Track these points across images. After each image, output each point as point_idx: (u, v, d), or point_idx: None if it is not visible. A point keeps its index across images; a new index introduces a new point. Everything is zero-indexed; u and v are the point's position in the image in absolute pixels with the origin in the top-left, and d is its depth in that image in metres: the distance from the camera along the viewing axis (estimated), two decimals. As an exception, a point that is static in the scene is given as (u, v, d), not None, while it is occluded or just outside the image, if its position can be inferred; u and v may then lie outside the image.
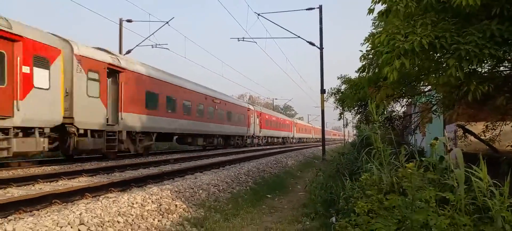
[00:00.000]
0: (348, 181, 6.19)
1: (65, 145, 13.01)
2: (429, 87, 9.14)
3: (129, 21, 24.58)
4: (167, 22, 23.78)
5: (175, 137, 22.57)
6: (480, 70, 5.98)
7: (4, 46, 10.49)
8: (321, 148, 24.34)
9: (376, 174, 5.00)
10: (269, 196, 9.69)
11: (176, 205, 6.90)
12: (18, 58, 10.83)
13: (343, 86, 16.03)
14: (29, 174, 9.57)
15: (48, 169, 11.31)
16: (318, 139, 72.96)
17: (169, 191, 7.44)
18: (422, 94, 10.36)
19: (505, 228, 2.86)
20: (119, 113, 15.29)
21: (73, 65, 12.96)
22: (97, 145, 14.06)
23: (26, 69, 11.12)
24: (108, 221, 5.37)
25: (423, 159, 4.02)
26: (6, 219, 5.48)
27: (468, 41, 4.54)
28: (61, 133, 12.73)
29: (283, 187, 11.34)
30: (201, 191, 8.20)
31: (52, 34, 12.77)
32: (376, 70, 8.53)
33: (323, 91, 22.36)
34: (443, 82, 5.42)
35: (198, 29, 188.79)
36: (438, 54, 5.55)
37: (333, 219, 6.44)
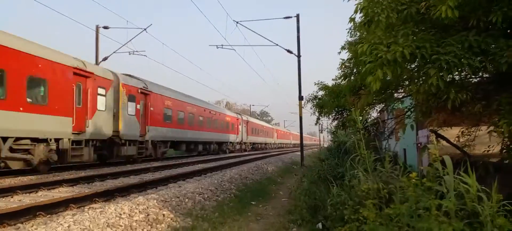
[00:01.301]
0: (334, 187, 6.32)
1: (111, 152, 17.14)
2: (404, 94, 9.47)
3: (105, 27, 24.21)
4: (145, 29, 23.65)
5: (183, 145, 25.69)
6: (457, 78, 6.28)
7: (81, 80, 14.79)
8: (299, 153, 24.53)
9: (363, 180, 5.16)
10: (253, 203, 9.75)
11: (163, 215, 6.88)
12: (89, 89, 15.11)
13: (320, 93, 16.31)
14: (7, 186, 9.28)
15: (25, 180, 11.00)
16: (295, 144, 74.12)
17: (155, 201, 7.40)
18: (399, 101, 10.72)
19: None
20: (147, 127, 19.71)
21: (119, 92, 17.21)
22: (132, 152, 18.36)
23: (93, 96, 15.36)
24: (98, 233, 5.32)
25: (405, 165, 4.20)
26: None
27: (447, 52, 4.77)
28: (108, 143, 16.77)
29: (266, 194, 11.43)
30: (187, 200, 8.20)
31: (107, 69, 17.20)
32: (357, 78, 8.78)
33: (301, 98, 22.59)
34: (423, 91, 5.67)
35: (176, 36, 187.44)
36: (418, 64, 5.80)
37: (319, 225, 6.58)
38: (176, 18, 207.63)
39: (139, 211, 6.64)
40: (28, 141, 12.18)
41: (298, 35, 22.85)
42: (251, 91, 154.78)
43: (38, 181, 10.19)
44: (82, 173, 12.57)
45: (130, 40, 28.87)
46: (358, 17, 6.48)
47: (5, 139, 11.28)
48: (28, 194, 8.66)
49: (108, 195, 8.53)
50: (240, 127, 40.36)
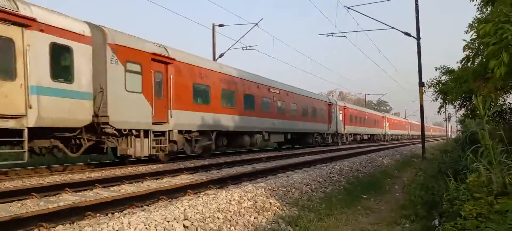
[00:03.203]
0: (452, 182, 5.73)
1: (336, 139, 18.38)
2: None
3: (221, 25, 25.78)
4: (256, 24, 24.42)
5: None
6: None
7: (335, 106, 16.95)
8: (420, 145, 22.83)
9: (484, 174, 4.57)
10: (364, 196, 9.40)
11: (270, 203, 7.08)
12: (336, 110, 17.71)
13: (443, 77, 14.89)
14: (138, 172, 10.62)
15: (154, 167, 12.42)
16: (415, 136, 68.26)
17: (263, 189, 7.66)
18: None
19: None
20: (344, 126, 21.68)
21: (336, 109, 20.06)
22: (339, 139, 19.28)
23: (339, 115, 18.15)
24: (209, 217, 5.72)
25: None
26: (122, 213, 6.23)
27: None
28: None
29: (379, 187, 10.90)
30: (293, 190, 8.29)
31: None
32: (483, 61, 7.76)
33: (421, 84, 20.89)
34: None
35: (286, 28, 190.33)
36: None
37: (436, 221, 6.02)
38: (286, 10, 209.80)
39: (248, 199, 6.94)
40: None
41: (417, 16, 21.10)
42: (365, 80, 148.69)
43: (164, 169, 11.41)
44: (201, 162, 13.66)
45: (243, 36, 30.34)
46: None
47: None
48: (155, 180, 9.77)
49: (221, 182, 9.12)
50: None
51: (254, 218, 6.33)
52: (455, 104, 14.24)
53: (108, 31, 11.94)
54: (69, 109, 10.48)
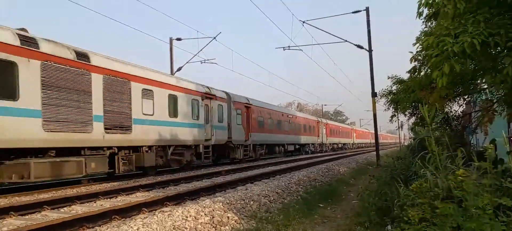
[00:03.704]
0: (402, 188, 5.94)
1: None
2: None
3: (178, 39, 25.55)
4: (215, 38, 24.46)
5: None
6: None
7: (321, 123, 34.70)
8: (375, 153, 23.61)
9: (430, 179, 4.77)
10: (321, 205, 9.54)
11: (228, 217, 7.01)
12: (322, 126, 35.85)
13: (394, 87, 15.47)
14: (92, 191, 10.16)
15: (108, 186, 11.95)
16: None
17: (221, 203, 7.58)
18: (482, 92, 9.75)
19: None
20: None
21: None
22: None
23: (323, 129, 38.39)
24: (163, 235, 5.57)
25: (478, 163, 3.78)
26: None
27: None
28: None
29: (336, 196, 11.12)
30: (252, 202, 8.27)
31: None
32: (428, 71, 8.18)
33: (374, 94, 21.70)
34: (500, 81, 5.09)
35: (244, 42, 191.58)
36: (493, 52, 5.21)
37: (388, 227, 6.21)
38: (244, 24, 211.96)
39: (205, 214, 6.84)
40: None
41: (369, 29, 22.01)
42: (322, 91, 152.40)
43: (119, 187, 11.01)
44: (158, 178, 13.33)
45: (201, 50, 30.29)
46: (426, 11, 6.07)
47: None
48: (108, 199, 9.40)
49: (179, 199, 8.93)
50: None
51: (211, 233, 6.23)
52: (406, 113, 14.84)
53: (231, 95, 22.38)
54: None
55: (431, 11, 6.27)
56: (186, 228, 6.08)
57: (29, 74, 10.05)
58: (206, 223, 6.53)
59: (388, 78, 15.41)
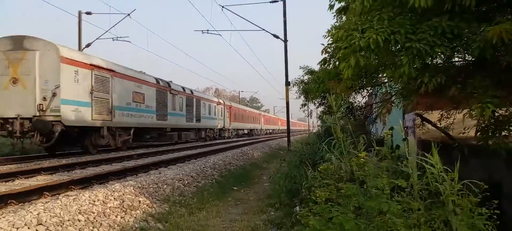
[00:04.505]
0: (310, 171, 6.34)
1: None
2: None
3: (88, 13, 23.72)
4: (129, 15, 23.13)
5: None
6: (435, 61, 6.23)
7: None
8: (286, 138, 24.68)
9: (335, 163, 5.16)
10: (235, 188, 9.76)
11: (139, 201, 6.82)
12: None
13: (306, 77, 16.27)
14: (-18, 174, 9.10)
15: (3, 168, 10.80)
16: (284, 130, 73.98)
17: (132, 187, 7.33)
18: (382, 85, 10.70)
19: (456, 211, 3.04)
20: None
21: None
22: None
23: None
24: (68, 220, 5.24)
25: (378, 148, 4.19)
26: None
27: (420, 39, 4.69)
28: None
29: (249, 179, 11.45)
30: (165, 186, 8.14)
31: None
32: (337, 64, 8.73)
33: (287, 83, 22.54)
34: (398, 76, 5.64)
35: (161, 22, 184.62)
36: (393, 49, 5.74)
37: (297, 208, 6.59)
38: (161, 2, 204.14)
39: (114, 198, 6.56)
40: None
41: (285, 20, 22.66)
42: (240, 78, 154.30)
43: (16, 170, 10.03)
44: (63, 161, 12.40)
45: (113, 26, 28.76)
46: (338, 4, 6.44)
47: None
48: (4, 183, 8.50)
49: (85, 183, 8.41)
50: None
51: (121, 218, 6.02)
52: (315, 102, 15.74)
53: (224, 102, 38.01)
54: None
55: (341, 6, 6.67)
56: (93, 213, 5.78)
57: None
58: (116, 207, 6.29)
59: (300, 68, 16.18)
